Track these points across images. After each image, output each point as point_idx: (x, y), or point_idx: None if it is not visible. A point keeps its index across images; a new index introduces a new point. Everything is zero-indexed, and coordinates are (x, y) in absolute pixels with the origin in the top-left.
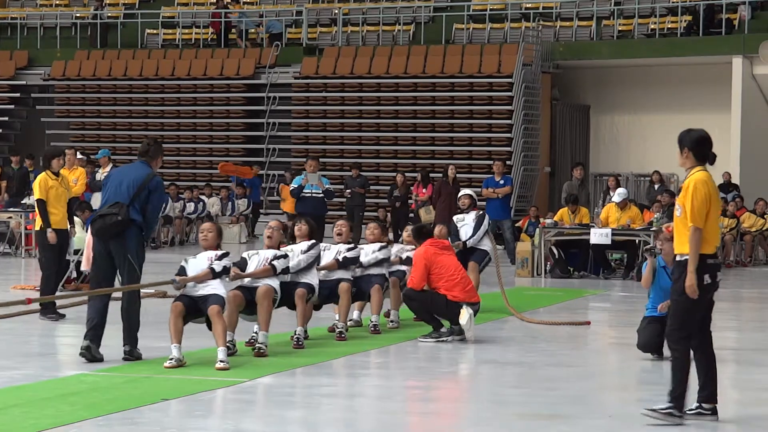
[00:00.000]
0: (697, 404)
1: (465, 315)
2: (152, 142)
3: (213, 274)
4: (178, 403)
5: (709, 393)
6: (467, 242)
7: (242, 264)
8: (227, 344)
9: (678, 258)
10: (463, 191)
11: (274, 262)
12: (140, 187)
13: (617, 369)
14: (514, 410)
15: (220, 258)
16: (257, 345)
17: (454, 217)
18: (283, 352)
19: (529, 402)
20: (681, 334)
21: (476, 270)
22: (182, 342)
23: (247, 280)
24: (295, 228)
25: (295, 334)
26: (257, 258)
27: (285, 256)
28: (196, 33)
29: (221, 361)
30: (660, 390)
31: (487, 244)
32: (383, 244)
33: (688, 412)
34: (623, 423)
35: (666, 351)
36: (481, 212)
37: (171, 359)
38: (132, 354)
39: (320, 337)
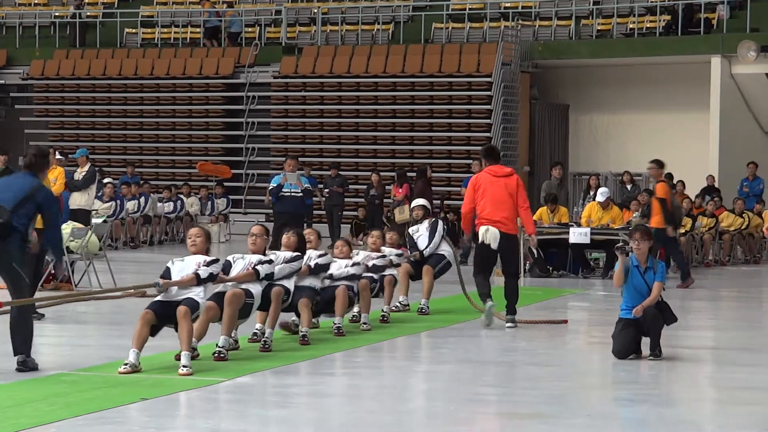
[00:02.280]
0: None
1: (483, 230)
2: (37, 154)
3: (198, 281)
4: (157, 402)
5: None
6: (424, 252)
7: (226, 267)
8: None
9: None
10: (416, 202)
11: (258, 267)
12: (26, 197)
13: (596, 368)
14: (494, 410)
15: (208, 264)
16: (217, 349)
17: (410, 229)
18: (261, 353)
19: (508, 401)
20: None
21: (430, 274)
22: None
23: (230, 284)
24: (284, 237)
25: (263, 336)
26: (242, 262)
27: (270, 261)
28: (175, 32)
29: (184, 366)
30: (639, 389)
31: (445, 249)
32: (355, 261)
33: None
34: (602, 422)
35: (645, 350)
36: (434, 219)
37: (126, 364)
38: (26, 364)
39: (282, 340)
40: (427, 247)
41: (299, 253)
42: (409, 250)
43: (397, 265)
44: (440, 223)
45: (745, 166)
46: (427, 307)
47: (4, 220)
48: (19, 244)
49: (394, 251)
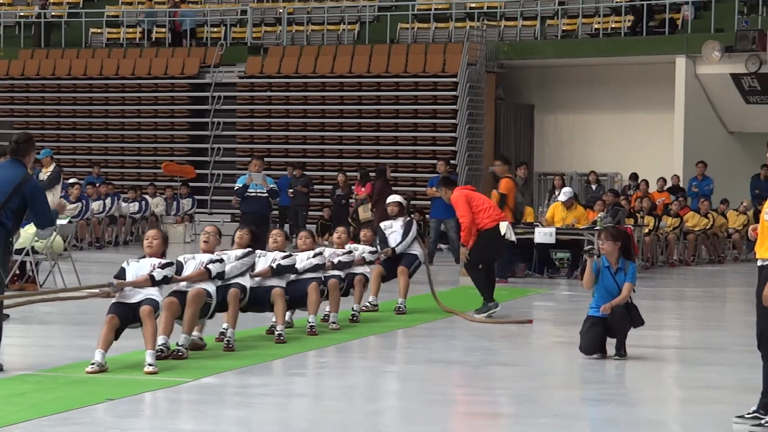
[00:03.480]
0: (755, 409)
1: (503, 225)
2: (22, 138)
3: (152, 282)
4: (121, 403)
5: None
6: (396, 249)
7: (178, 268)
8: (161, 347)
9: (760, 263)
10: (392, 198)
11: (210, 266)
12: (13, 190)
13: (561, 368)
14: (459, 409)
15: (163, 267)
16: (177, 347)
17: (382, 224)
18: (226, 353)
19: (474, 401)
20: None
21: (405, 274)
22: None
23: (183, 283)
24: (236, 235)
25: (226, 336)
26: (193, 262)
27: (221, 260)
28: (140, 32)
29: (149, 365)
30: (604, 388)
31: (416, 249)
32: (318, 251)
33: (746, 415)
34: (568, 422)
35: (610, 350)
36: (408, 218)
37: (93, 364)
38: None
39: (257, 338)
40: (398, 245)
41: (250, 249)
42: (379, 244)
43: (371, 263)
44: (414, 223)
45: (720, 166)
46: (405, 306)
47: None
48: (3, 242)
49: (368, 248)
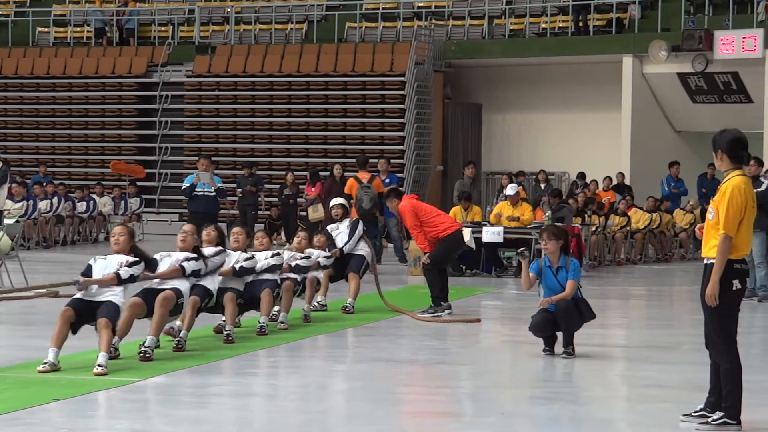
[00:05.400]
0: (702, 407)
1: (467, 232)
2: None
3: (118, 281)
4: (70, 403)
5: (714, 400)
6: (343, 249)
7: (153, 265)
8: (111, 348)
9: (705, 261)
10: (335, 201)
11: (184, 264)
12: None
13: (509, 366)
14: (406, 409)
15: (130, 265)
16: (143, 349)
17: (329, 227)
18: (174, 353)
19: (421, 400)
20: (721, 343)
21: (356, 279)
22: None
23: (156, 280)
24: (203, 233)
25: (177, 336)
26: (169, 260)
27: (196, 258)
28: (87, 31)
29: (99, 365)
30: (551, 387)
31: (364, 249)
32: (276, 251)
33: (693, 413)
34: (515, 420)
35: (558, 348)
36: (354, 219)
37: (45, 363)
38: None
39: (205, 338)
40: (345, 245)
41: (222, 248)
42: (327, 248)
43: (325, 267)
44: (360, 223)
45: (666, 165)
46: (352, 306)
47: None
48: None
49: (323, 253)
